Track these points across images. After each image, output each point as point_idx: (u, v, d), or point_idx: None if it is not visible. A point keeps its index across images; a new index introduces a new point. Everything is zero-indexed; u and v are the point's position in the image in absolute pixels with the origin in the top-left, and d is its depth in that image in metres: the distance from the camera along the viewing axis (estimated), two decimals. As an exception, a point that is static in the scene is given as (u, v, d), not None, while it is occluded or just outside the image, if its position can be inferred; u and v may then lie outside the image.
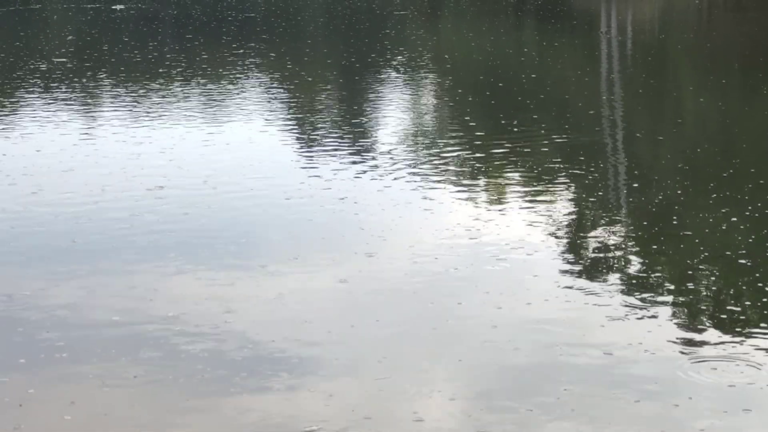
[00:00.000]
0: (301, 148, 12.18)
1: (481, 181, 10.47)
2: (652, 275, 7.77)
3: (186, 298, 7.26)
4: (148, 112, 14.38)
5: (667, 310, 6.97)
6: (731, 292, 7.37)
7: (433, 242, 8.40)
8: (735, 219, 8.96)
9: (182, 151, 11.93)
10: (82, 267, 7.98)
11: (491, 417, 5.48)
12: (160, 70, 18.36)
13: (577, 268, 7.88)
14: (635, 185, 10.26)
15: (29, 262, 8.14)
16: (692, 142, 12.39)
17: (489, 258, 8.01)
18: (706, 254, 8.06)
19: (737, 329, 6.65)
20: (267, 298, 7.25)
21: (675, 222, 9.04)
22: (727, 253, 8.11)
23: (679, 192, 9.85)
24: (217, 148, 12.06)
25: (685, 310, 7.01)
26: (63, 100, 15.66)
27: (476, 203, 9.64)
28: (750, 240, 8.40)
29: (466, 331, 6.67)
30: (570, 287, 7.41)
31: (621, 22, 25.70)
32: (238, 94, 16.16)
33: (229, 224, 9.10)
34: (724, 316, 6.91)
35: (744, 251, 8.11)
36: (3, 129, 13.33)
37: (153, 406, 5.67)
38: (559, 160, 11.43)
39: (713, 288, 7.53)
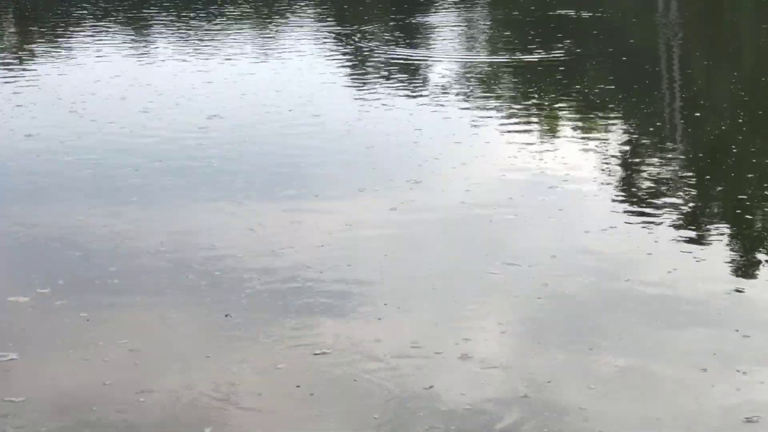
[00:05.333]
0: (358, 80, 12.13)
1: (536, 113, 10.38)
2: (709, 205, 7.68)
3: (237, 228, 7.27)
4: (203, 46, 14.39)
5: (723, 240, 6.89)
6: (789, 223, 7.27)
7: (488, 173, 8.36)
8: (796, 149, 8.83)
9: (238, 83, 11.93)
10: (137, 198, 8.02)
11: (540, 350, 5.44)
12: (216, 6, 18.33)
13: (634, 198, 7.80)
14: (696, 114, 10.11)
15: (86, 193, 8.20)
16: (752, 72, 12.17)
17: (544, 189, 7.95)
18: (765, 185, 7.94)
19: (794, 260, 6.57)
20: (318, 228, 7.25)
21: (734, 150, 8.91)
22: (787, 183, 8.00)
23: (739, 121, 9.69)
24: (274, 82, 12.06)
25: (741, 241, 6.93)
26: (119, 31, 15.71)
27: (531, 135, 9.56)
28: (811, 171, 8.27)
29: (520, 261, 6.61)
30: (626, 218, 7.34)
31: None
32: (293, 29, 16.11)
33: (287, 155, 9.11)
34: (782, 247, 6.83)
35: (804, 182, 7.99)
36: (60, 60, 13.40)
37: (200, 332, 5.70)
38: (615, 90, 11.29)
39: (771, 219, 7.43)
